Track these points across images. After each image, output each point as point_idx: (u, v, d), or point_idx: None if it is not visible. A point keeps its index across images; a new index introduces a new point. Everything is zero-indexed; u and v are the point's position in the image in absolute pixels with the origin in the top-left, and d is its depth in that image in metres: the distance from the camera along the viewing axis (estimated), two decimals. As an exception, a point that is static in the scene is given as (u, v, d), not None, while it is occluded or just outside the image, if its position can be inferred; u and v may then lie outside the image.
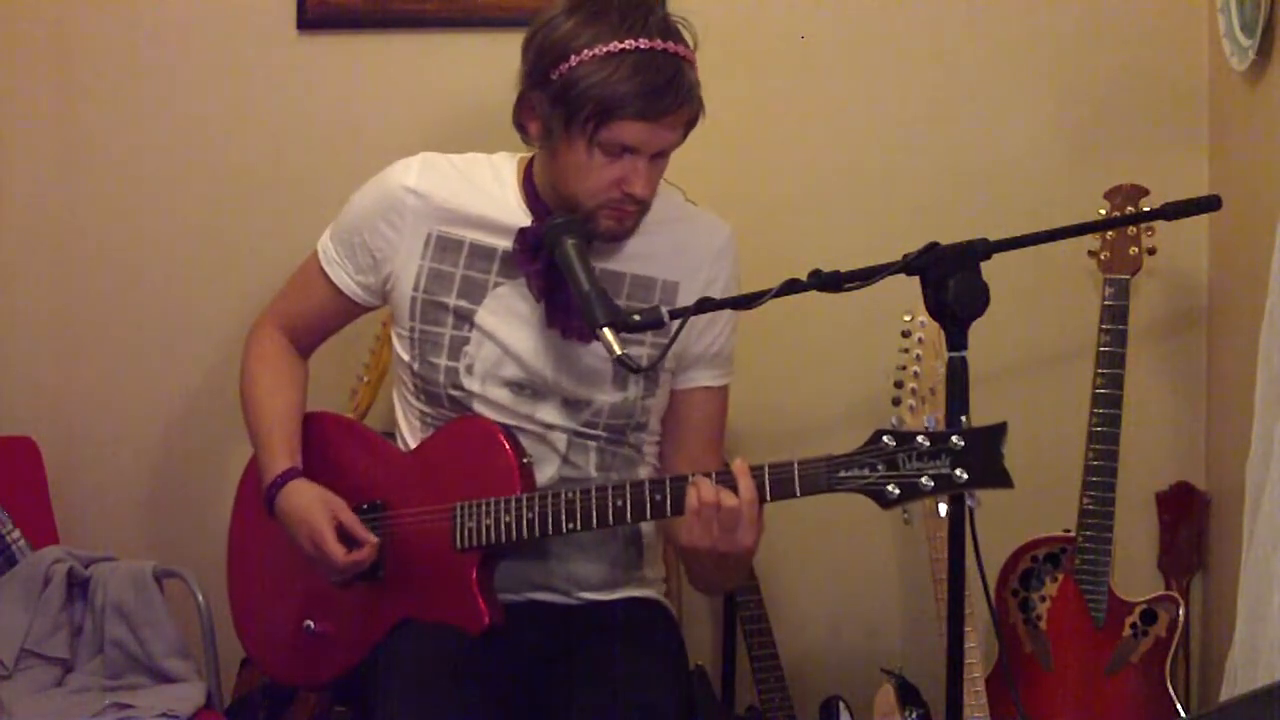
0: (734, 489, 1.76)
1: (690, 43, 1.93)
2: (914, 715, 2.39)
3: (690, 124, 1.94)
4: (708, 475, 1.79)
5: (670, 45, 1.87)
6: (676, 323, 1.80)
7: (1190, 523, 2.58)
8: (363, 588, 2.03)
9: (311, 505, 1.98)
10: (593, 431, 2.06)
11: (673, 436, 2.14)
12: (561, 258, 1.89)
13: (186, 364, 2.78)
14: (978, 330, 1.63)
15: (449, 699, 1.88)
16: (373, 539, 1.97)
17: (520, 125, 1.98)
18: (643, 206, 1.96)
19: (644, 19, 1.87)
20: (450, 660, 1.92)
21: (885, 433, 1.68)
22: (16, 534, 2.52)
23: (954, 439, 1.62)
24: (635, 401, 2.06)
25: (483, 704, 1.89)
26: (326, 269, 2.12)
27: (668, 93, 1.86)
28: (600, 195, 1.92)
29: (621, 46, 1.84)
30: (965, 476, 1.62)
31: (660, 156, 1.93)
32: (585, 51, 1.85)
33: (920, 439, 1.65)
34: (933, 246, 1.65)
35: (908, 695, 2.41)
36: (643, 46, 1.85)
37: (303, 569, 2.06)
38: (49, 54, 2.76)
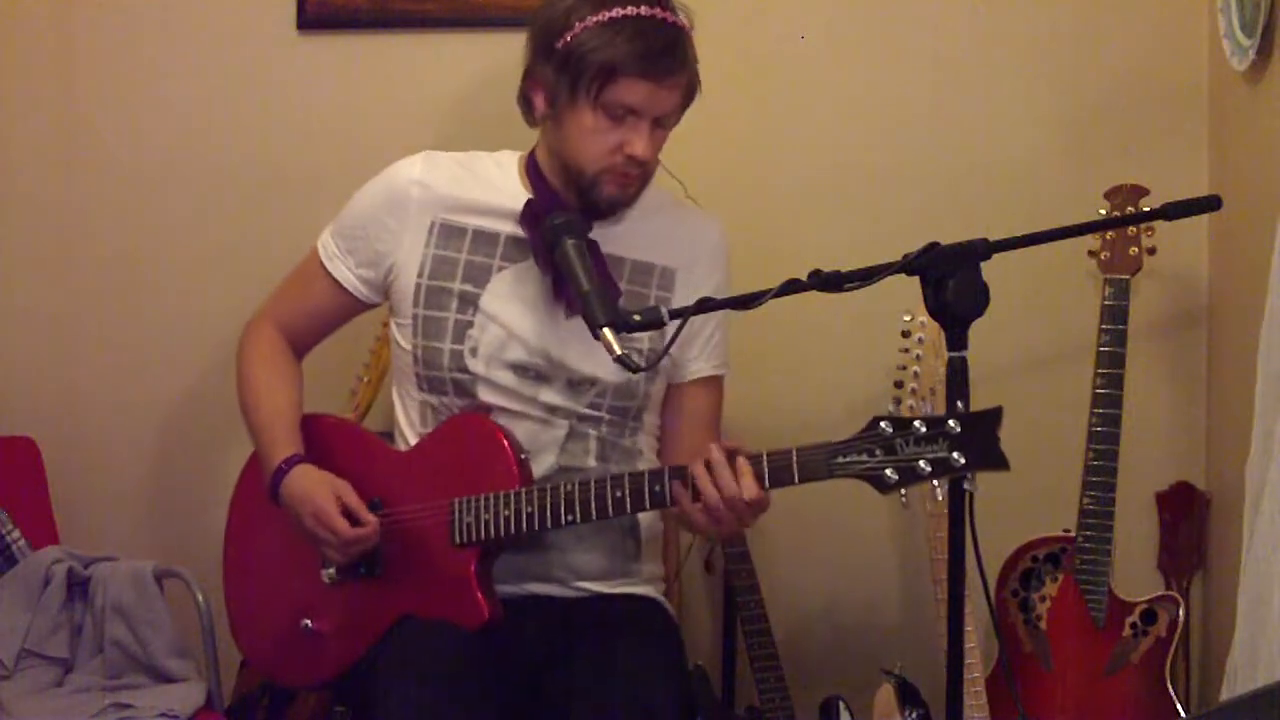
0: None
1: (688, 23, 2.01)
2: (914, 715, 2.38)
3: (688, 94, 2.02)
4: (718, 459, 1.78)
5: (669, 15, 1.98)
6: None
7: (1190, 523, 2.58)
8: (360, 585, 2.03)
9: (316, 486, 1.99)
10: (596, 414, 2.07)
11: (673, 429, 2.16)
12: (561, 258, 1.89)
13: (186, 364, 2.78)
14: (978, 330, 1.63)
15: (448, 695, 1.88)
16: (374, 519, 1.98)
17: (526, 100, 2.05)
18: (644, 173, 2.02)
19: None
20: (449, 656, 1.92)
21: (883, 418, 1.69)
22: (16, 534, 2.52)
23: (951, 423, 1.63)
24: (638, 383, 2.07)
25: (482, 701, 1.89)
26: (327, 264, 2.13)
27: (667, 55, 1.96)
28: (603, 160, 1.98)
29: (624, 13, 1.94)
30: (963, 459, 1.63)
31: (659, 127, 1.99)
32: (589, 19, 1.94)
33: (917, 424, 1.66)
34: (933, 246, 1.65)
35: (908, 695, 2.41)
36: (643, 14, 1.95)
37: (300, 568, 2.06)
38: (49, 53, 2.76)
